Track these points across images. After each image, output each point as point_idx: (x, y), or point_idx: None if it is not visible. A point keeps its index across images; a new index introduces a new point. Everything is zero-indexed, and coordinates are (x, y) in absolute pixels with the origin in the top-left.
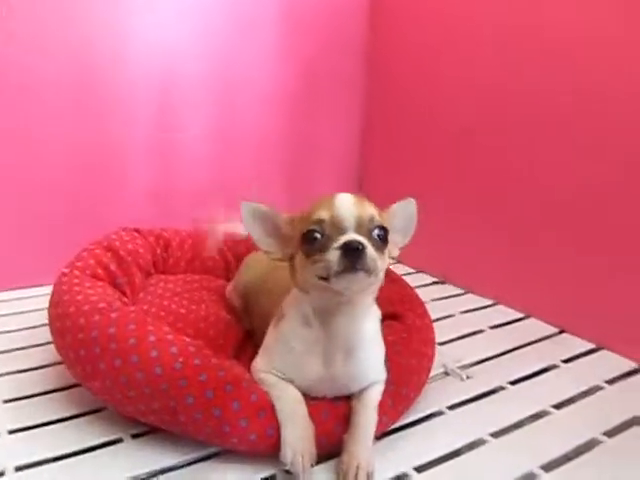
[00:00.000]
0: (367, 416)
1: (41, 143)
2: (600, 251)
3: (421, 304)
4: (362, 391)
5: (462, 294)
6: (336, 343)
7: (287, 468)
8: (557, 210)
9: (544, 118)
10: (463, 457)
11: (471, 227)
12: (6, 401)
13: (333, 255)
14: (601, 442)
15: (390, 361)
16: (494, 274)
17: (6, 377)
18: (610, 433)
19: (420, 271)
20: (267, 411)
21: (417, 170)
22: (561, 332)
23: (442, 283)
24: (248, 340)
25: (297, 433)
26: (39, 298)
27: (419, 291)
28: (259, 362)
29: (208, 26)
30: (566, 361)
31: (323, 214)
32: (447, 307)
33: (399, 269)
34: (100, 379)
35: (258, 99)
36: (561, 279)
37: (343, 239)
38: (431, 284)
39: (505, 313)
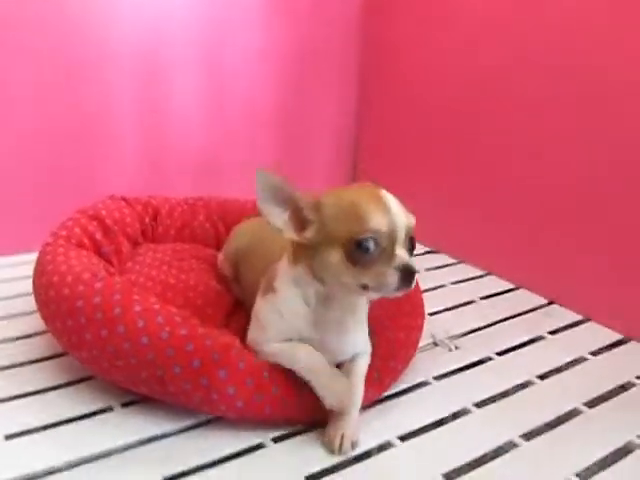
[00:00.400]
0: (353, 386)
1: (25, 111)
2: (591, 225)
3: None
4: (349, 362)
5: (455, 264)
6: (331, 318)
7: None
8: (551, 182)
9: (544, 97)
10: (446, 427)
11: (466, 198)
12: None
13: (392, 277)
14: (582, 412)
15: (378, 335)
16: (487, 245)
17: None
18: (591, 403)
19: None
20: (255, 378)
21: (413, 141)
22: (550, 303)
23: (436, 253)
24: (238, 309)
25: (328, 376)
26: (26, 266)
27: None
28: (256, 337)
29: None
30: (553, 332)
31: (382, 224)
32: (439, 277)
33: None
34: (87, 349)
35: (249, 67)
36: (552, 251)
37: (399, 258)
38: (424, 253)
39: (496, 284)
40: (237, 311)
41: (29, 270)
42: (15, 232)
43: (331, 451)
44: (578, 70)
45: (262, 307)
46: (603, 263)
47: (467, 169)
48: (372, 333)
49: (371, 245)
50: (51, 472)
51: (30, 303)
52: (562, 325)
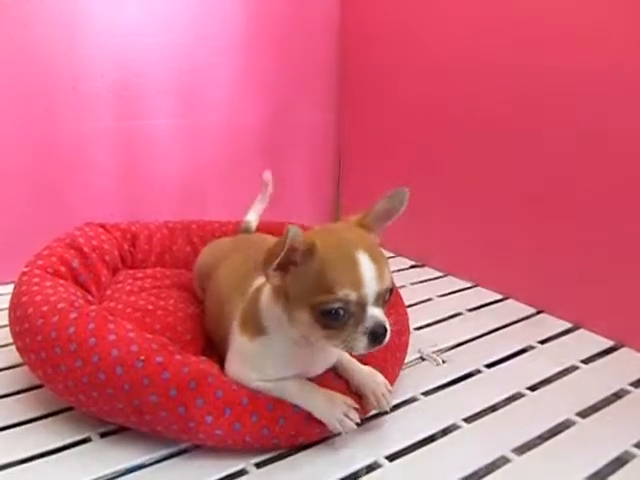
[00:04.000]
0: (352, 361)
1: None
2: (577, 232)
3: (395, 292)
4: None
5: (441, 277)
6: (320, 358)
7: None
8: (536, 192)
9: (532, 96)
10: (435, 444)
11: (450, 210)
12: None
13: (361, 341)
14: (575, 423)
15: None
16: (473, 257)
17: None
18: (584, 413)
19: (399, 255)
20: (233, 407)
21: (395, 152)
22: (539, 313)
23: (421, 267)
24: None
25: (324, 403)
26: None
27: (397, 275)
28: (244, 377)
29: (171, 5)
30: (543, 342)
31: (351, 295)
32: (425, 291)
33: None
34: (62, 381)
35: (227, 84)
36: (539, 260)
37: (369, 320)
38: (409, 268)
39: (484, 295)
40: None
41: (3, 302)
42: None
43: (385, 411)
44: (560, 70)
45: (252, 349)
46: (591, 270)
47: (450, 183)
48: None
49: (340, 313)
50: None
51: (3, 336)
52: (552, 334)
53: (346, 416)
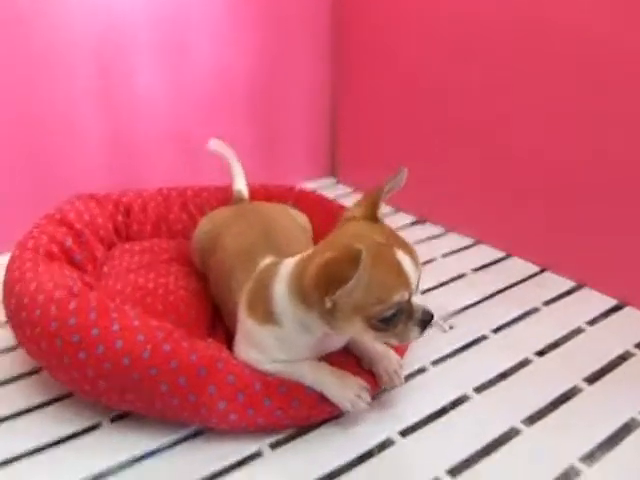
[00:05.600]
0: (364, 343)
1: None
2: (580, 187)
3: None
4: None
5: (443, 234)
6: (335, 342)
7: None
8: (540, 145)
9: (544, 56)
10: (446, 417)
11: (451, 164)
12: None
13: (414, 332)
14: (582, 390)
15: None
16: (475, 212)
17: None
18: (591, 378)
19: (399, 210)
20: (246, 391)
21: (396, 105)
22: (543, 271)
23: (422, 223)
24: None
25: (336, 384)
26: None
27: (399, 233)
28: (254, 358)
29: None
30: (547, 303)
31: (404, 295)
32: (428, 250)
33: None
34: (65, 372)
35: (213, 34)
36: (542, 216)
37: (417, 311)
38: (411, 224)
39: (487, 253)
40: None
41: None
42: None
43: (394, 387)
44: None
45: (260, 334)
46: (596, 226)
47: (454, 134)
48: None
49: (396, 315)
50: None
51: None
52: (556, 294)
53: (358, 397)
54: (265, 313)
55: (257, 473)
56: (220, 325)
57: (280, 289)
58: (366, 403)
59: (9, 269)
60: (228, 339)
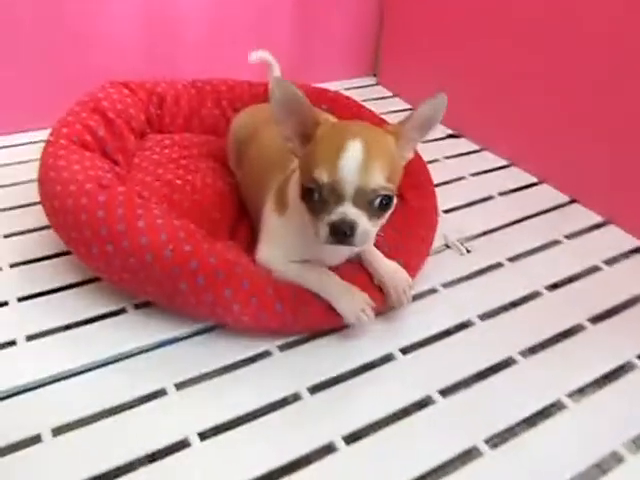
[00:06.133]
0: (377, 255)
1: None
2: (625, 124)
3: (428, 181)
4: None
5: (477, 151)
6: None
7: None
8: (586, 76)
9: None
10: (446, 340)
11: (493, 78)
12: (12, 265)
13: (323, 230)
14: (585, 328)
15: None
16: (511, 133)
17: (8, 239)
18: (596, 319)
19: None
20: (258, 296)
21: (441, 9)
22: (572, 202)
23: (457, 137)
24: (245, 211)
25: (343, 295)
26: (32, 146)
27: (432, 145)
28: (269, 257)
29: None
30: (569, 237)
31: (323, 176)
32: (459, 168)
33: None
34: (94, 260)
35: None
36: (579, 146)
37: (336, 214)
38: (446, 137)
39: (518, 177)
40: (243, 214)
41: (34, 152)
42: (12, 112)
43: (401, 305)
44: None
45: (276, 225)
46: (629, 164)
47: (500, 52)
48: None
49: (314, 194)
50: (67, 376)
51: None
52: (580, 228)
53: (362, 311)
54: (283, 205)
55: (265, 369)
56: (242, 228)
57: (293, 180)
58: (369, 319)
59: (43, 154)
60: (249, 243)
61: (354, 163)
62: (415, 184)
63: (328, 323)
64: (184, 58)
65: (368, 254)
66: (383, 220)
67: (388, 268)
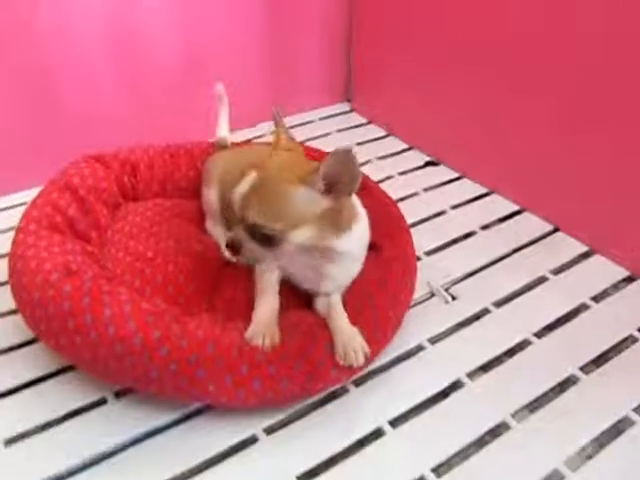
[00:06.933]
0: (339, 317)
1: None
2: (605, 148)
3: (403, 229)
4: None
5: (456, 179)
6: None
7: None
8: (567, 104)
9: None
10: (437, 407)
11: (470, 105)
12: None
13: (224, 242)
14: (579, 379)
15: (363, 307)
16: (491, 158)
17: None
18: (587, 368)
19: (413, 147)
20: (234, 375)
21: (413, 26)
22: (555, 230)
23: (436, 165)
24: (225, 272)
25: (261, 317)
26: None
27: (410, 176)
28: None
29: None
30: (555, 272)
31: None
32: (438, 200)
33: (393, 144)
34: (65, 352)
35: None
36: (560, 172)
37: (232, 231)
38: (424, 166)
39: (500, 206)
40: (223, 277)
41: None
42: None
43: (350, 365)
44: None
45: None
46: (614, 191)
47: (472, 72)
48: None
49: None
50: None
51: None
52: (565, 261)
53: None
54: None
55: (250, 462)
56: (227, 286)
57: None
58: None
59: (14, 241)
60: (234, 299)
61: (238, 196)
62: (389, 232)
63: (311, 391)
64: (162, 100)
65: (332, 309)
66: (282, 250)
67: (342, 326)
